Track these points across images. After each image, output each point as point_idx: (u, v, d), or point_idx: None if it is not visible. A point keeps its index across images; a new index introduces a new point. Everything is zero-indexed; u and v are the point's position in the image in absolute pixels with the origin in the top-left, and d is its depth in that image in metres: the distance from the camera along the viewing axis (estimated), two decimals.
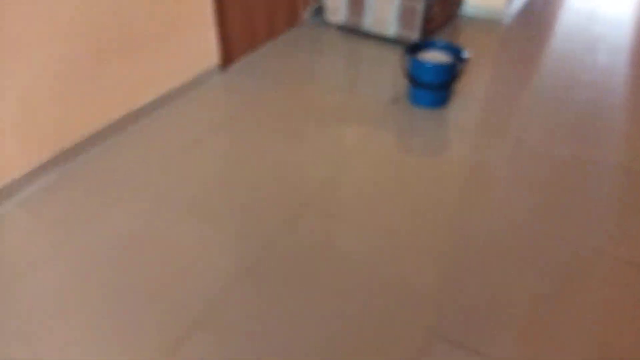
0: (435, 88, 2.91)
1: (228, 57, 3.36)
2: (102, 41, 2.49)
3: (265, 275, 1.97)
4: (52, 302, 1.86)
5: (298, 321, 1.79)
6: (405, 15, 3.54)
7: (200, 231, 2.16)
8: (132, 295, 1.89)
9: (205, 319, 1.80)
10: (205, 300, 1.87)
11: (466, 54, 2.91)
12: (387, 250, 2.08)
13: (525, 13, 4.34)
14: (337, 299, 1.88)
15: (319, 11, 4.10)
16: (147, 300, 1.87)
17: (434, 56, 2.98)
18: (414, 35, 3.59)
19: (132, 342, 1.73)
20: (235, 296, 1.88)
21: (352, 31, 3.89)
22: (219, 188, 2.41)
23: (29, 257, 2.03)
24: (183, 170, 2.51)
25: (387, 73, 3.38)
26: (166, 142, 2.70)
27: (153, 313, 1.82)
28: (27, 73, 2.22)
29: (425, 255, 2.06)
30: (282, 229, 2.18)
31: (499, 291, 1.91)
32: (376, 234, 2.16)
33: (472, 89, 3.21)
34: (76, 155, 2.57)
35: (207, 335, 1.75)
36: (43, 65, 2.27)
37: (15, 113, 2.23)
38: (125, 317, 1.81)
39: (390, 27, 3.66)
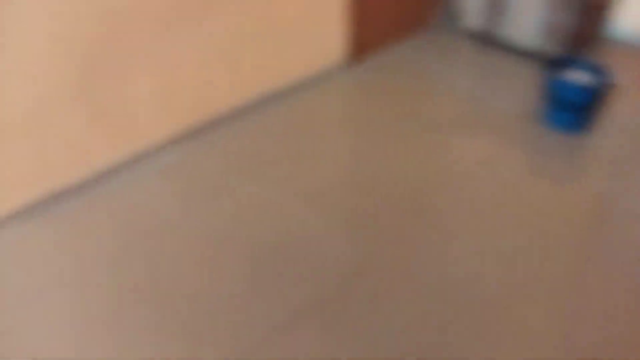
0: (577, 111, 2.69)
1: (356, 54, 3.36)
2: (242, 25, 2.60)
3: (372, 278, 1.95)
4: (167, 268, 1.98)
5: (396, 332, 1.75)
6: (548, 28, 3.32)
7: (313, 223, 2.20)
8: (238, 277, 1.95)
9: (310, 311, 1.82)
10: (305, 292, 1.89)
11: (614, 78, 2.66)
12: (499, 277, 1.97)
13: None
14: (442, 317, 1.81)
15: (451, 16, 3.97)
16: (253, 282, 1.92)
17: (576, 76, 2.76)
18: (556, 50, 3.35)
19: (235, 326, 1.78)
20: (342, 294, 1.88)
21: (485, 40, 3.72)
22: (331, 183, 2.42)
23: (158, 221, 2.18)
24: (299, 161, 2.55)
25: (520, 88, 3.19)
26: (288, 131, 2.77)
27: (254, 298, 1.87)
28: (173, 49, 2.38)
29: (539, 289, 1.92)
30: (392, 237, 2.14)
31: (617, 342, 1.74)
32: (489, 258, 2.05)
33: (615, 117, 2.93)
34: (207, 131, 2.71)
35: (310, 326, 1.77)
36: (194, 41, 2.42)
37: (158, 81, 2.41)
38: (226, 298, 1.88)
39: (530, 39, 3.45)
